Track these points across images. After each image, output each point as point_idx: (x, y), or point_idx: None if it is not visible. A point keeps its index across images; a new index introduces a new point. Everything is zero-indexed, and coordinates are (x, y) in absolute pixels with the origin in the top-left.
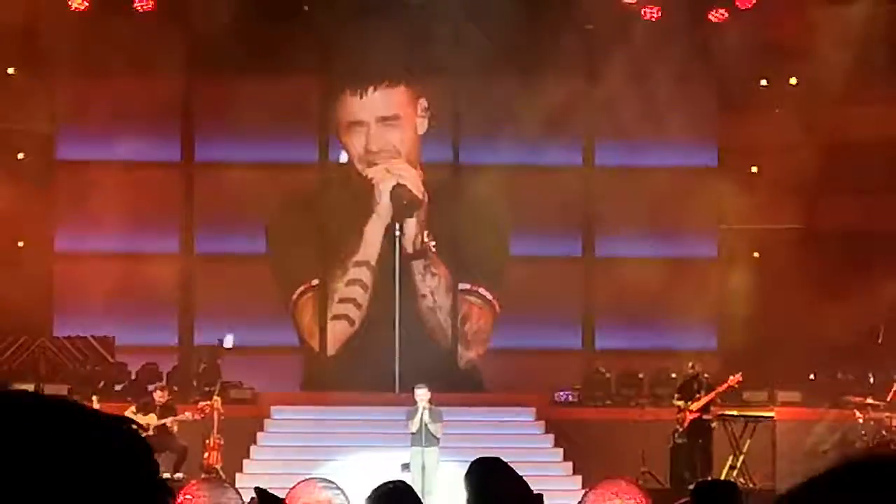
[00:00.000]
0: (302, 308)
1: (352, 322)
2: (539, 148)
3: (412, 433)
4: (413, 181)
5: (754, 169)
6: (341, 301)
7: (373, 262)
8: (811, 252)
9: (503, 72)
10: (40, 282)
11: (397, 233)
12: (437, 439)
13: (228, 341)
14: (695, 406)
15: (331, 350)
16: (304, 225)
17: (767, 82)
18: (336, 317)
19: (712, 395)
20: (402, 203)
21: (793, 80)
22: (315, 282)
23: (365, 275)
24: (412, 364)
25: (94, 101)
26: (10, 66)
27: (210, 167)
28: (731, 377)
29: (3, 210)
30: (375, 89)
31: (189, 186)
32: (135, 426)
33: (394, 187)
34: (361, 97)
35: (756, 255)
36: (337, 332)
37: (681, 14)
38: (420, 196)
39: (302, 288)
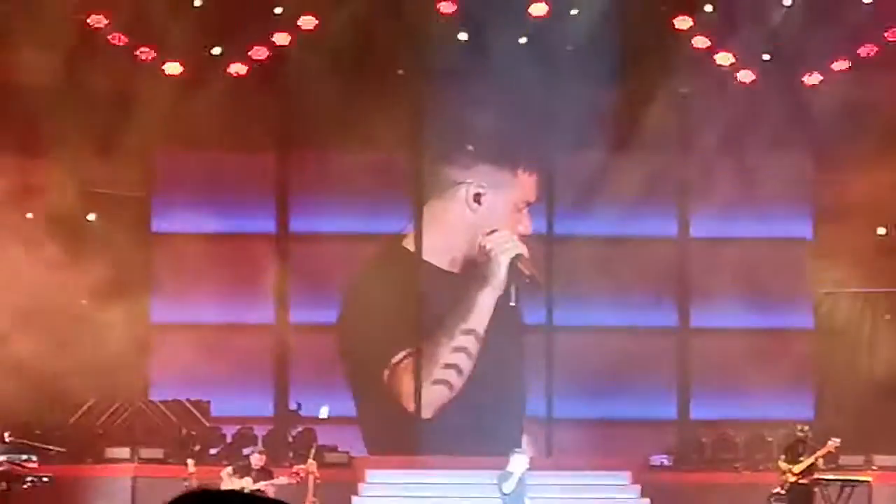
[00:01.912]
0: (402, 372)
1: (451, 388)
2: (634, 218)
3: (505, 494)
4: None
5: (850, 231)
6: (445, 367)
7: (481, 332)
8: None
9: (596, 140)
10: (136, 348)
11: (512, 303)
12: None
13: (324, 412)
14: (797, 469)
15: (426, 413)
16: (389, 292)
17: (863, 144)
18: (436, 381)
19: (813, 458)
20: (520, 273)
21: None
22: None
23: (471, 343)
24: (512, 429)
25: (188, 171)
26: (109, 131)
27: (304, 238)
28: (831, 441)
29: (100, 275)
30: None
31: (284, 257)
32: None
33: (513, 258)
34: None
35: (888, 317)
36: (435, 397)
37: (775, 78)
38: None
39: (405, 353)
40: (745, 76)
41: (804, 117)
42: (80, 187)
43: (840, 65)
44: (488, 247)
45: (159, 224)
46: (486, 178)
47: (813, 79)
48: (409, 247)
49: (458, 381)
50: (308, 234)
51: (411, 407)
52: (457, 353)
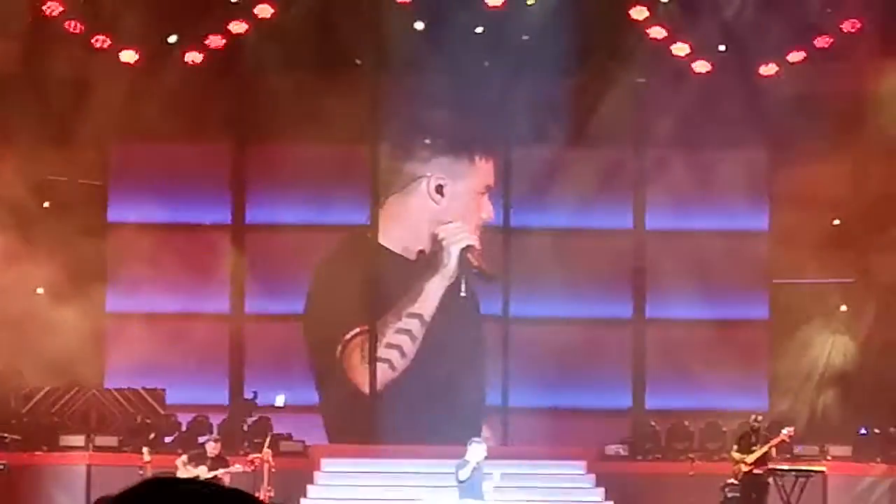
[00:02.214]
0: (352, 349)
1: (393, 368)
2: (589, 210)
3: (461, 482)
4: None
5: (806, 223)
6: (388, 347)
7: (426, 317)
8: (862, 306)
9: (552, 131)
10: (91, 336)
11: (463, 293)
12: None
13: (280, 400)
14: (750, 459)
15: (366, 388)
16: (351, 279)
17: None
18: (380, 359)
19: (766, 448)
20: (469, 264)
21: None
22: (366, 327)
23: (416, 327)
24: (464, 417)
25: (144, 160)
26: (66, 120)
27: (260, 229)
28: (784, 431)
29: (55, 263)
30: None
31: (240, 248)
32: None
33: (463, 249)
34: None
35: (843, 308)
36: (378, 375)
37: (731, 68)
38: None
39: (357, 330)
40: (701, 67)
41: (760, 108)
42: (36, 175)
43: (796, 56)
44: (441, 236)
45: (115, 213)
46: (445, 169)
47: (769, 69)
48: (373, 237)
49: (400, 363)
50: (264, 224)
51: (359, 382)
52: (400, 335)
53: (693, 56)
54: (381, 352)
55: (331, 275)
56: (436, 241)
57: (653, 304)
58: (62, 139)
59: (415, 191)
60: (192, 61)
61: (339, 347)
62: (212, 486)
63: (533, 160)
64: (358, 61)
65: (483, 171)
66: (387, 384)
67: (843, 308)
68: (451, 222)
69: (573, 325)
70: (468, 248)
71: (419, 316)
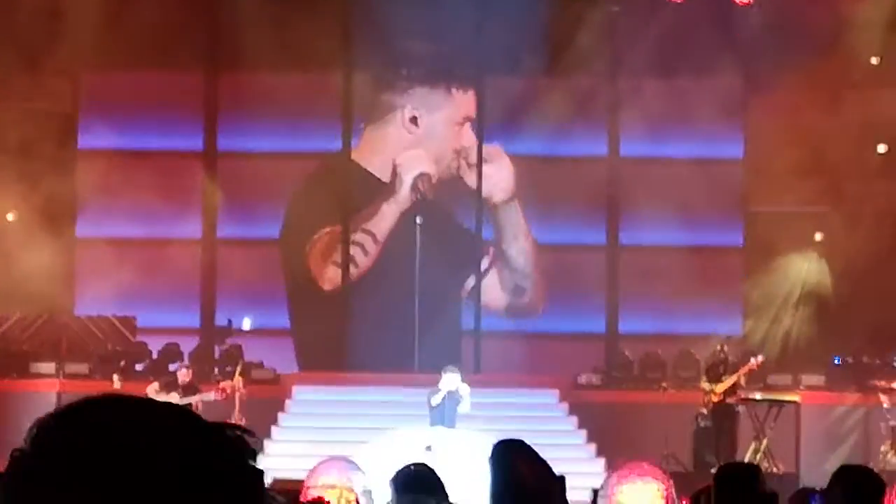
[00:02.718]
0: (316, 250)
1: (356, 265)
2: (564, 138)
3: (433, 408)
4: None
5: (781, 152)
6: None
7: (379, 237)
8: (837, 235)
9: (527, 59)
10: (62, 263)
11: (418, 221)
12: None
13: (246, 324)
14: (719, 388)
15: (327, 286)
16: (327, 198)
17: (794, 64)
18: (335, 262)
19: (735, 377)
20: (420, 192)
21: (819, 62)
22: (332, 227)
23: (368, 242)
24: (431, 345)
25: (115, 88)
26: (36, 48)
27: (232, 156)
28: (753, 359)
29: (25, 190)
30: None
31: (211, 175)
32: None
33: (415, 177)
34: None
35: (818, 236)
36: (333, 275)
37: None
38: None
39: (322, 232)
40: None
41: (735, 36)
42: (5, 103)
43: None
44: (398, 162)
45: (86, 141)
46: (421, 100)
47: None
48: (355, 157)
49: (353, 272)
50: (236, 152)
51: (318, 277)
52: (354, 247)
53: None
54: (336, 256)
55: (307, 194)
56: (394, 168)
57: (627, 231)
58: (32, 67)
59: (392, 121)
60: None
61: (307, 247)
62: (161, 404)
63: (507, 88)
64: None
65: (460, 101)
66: (338, 285)
67: (818, 237)
68: (410, 150)
69: (547, 251)
70: (421, 175)
71: (371, 234)
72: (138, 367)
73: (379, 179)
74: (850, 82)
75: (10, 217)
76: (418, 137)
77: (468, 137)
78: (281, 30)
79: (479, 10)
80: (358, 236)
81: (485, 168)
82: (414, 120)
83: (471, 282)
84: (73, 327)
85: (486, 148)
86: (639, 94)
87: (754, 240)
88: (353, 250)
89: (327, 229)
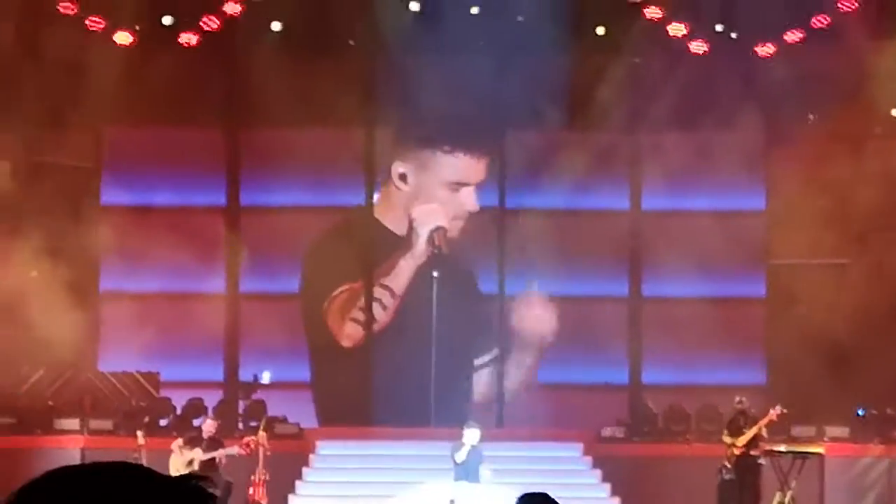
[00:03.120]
0: (335, 306)
1: (375, 321)
2: (586, 191)
3: (457, 464)
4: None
5: (803, 203)
6: (360, 309)
7: (397, 291)
8: (860, 286)
9: (548, 112)
10: (85, 319)
11: (434, 274)
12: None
13: (266, 377)
14: (740, 441)
15: (347, 343)
16: (344, 252)
17: (814, 117)
18: (354, 320)
19: (755, 429)
20: (435, 247)
21: (841, 114)
22: (352, 284)
23: (386, 297)
24: (449, 399)
25: (137, 143)
26: (60, 103)
27: (254, 211)
28: (772, 410)
29: (49, 246)
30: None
31: (234, 229)
32: (199, 482)
33: (431, 231)
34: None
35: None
36: (352, 331)
37: (728, 48)
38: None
39: (342, 288)
40: (698, 47)
41: (757, 88)
42: (29, 157)
43: (793, 36)
44: (413, 216)
45: (108, 196)
46: (411, 159)
47: (766, 49)
48: (377, 214)
49: (381, 317)
50: (258, 206)
51: (336, 331)
52: (373, 302)
53: (690, 36)
54: (355, 313)
55: (325, 250)
56: (410, 222)
57: (649, 283)
58: (55, 121)
59: (390, 175)
60: (187, 43)
61: (325, 304)
62: (105, 468)
63: (529, 141)
64: (352, 42)
65: (459, 165)
66: (358, 341)
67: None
68: (426, 204)
69: (569, 303)
70: (437, 229)
71: (389, 289)
72: (162, 422)
73: (395, 234)
74: (872, 133)
75: (33, 273)
76: (410, 194)
77: (471, 202)
78: (302, 84)
79: (501, 65)
80: (376, 292)
81: (524, 315)
82: (403, 177)
83: (485, 346)
84: (97, 383)
85: (528, 294)
86: (660, 147)
87: (776, 291)
88: (381, 293)
89: (346, 286)
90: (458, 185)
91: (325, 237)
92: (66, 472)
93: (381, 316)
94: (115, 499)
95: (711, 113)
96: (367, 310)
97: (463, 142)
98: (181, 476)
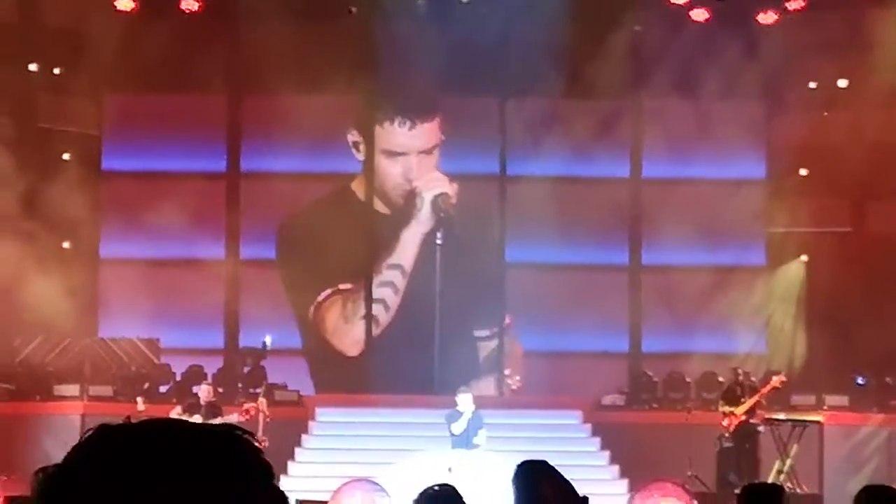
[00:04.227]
0: (326, 310)
1: (377, 323)
2: (586, 158)
3: (455, 435)
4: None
5: (803, 172)
6: (373, 301)
7: (407, 268)
8: (859, 255)
9: (549, 79)
10: (86, 284)
11: (438, 241)
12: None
13: (268, 341)
14: (740, 410)
15: (352, 351)
16: (321, 235)
17: (816, 85)
18: (364, 317)
19: (756, 397)
20: (442, 211)
21: (842, 83)
22: (344, 286)
23: (397, 278)
24: (452, 366)
25: (139, 110)
26: (57, 67)
27: (255, 177)
28: (774, 378)
29: (49, 211)
30: (423, 122)
31: (234, 196)
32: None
33: (436, 196)
34: (410, 129)
35: (804, 258)
36: (360, 333)
37: (729, 16)
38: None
39: (329, 291)
40: (699, 14)
41: (758, 56)
42: (30, 123)
43: (795, 3)
44: (415, 184)
45: (110, 163)
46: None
47: (767, 17)
48: (354, 188)
49: (385, 316)
50: (259, 173)
51: (338, 345)
52: (384, 288)
53: (691, 4)
54: (354, 320)
55: (308, 225)
56: (411, 191)
57: (650, 251)
58: (57, 88)
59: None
60: (189, 9)
61: (312, 309)
62: (166, 422)
63: (529, 109)
64: (352, 9)
65: (393, 132)
66: (371, 341)
67: (804, 258)
68: (427, 172)
69: (570, 271)
70: (441, 195)
71: (399, 267)
72: (162, 388)
73: (379, 213)
74: (873, 102)
75: (34, 238)
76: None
77: (415, 170)
78: (303, 51)
79: (501, 32)
80: (384, 275)
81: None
82: (356, 146)
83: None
84: (97, 349)
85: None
86: (661, 115)
87: (777, 259)
88: (383, 292)
89: (337, 290)
90: (396, 154)
91: (306, 213)
92: (116, 431)
93: (393, 300)
94: (175, 454)
95: (712, 81)
96: (369, 314)
97: (401, 111)
98: (228, 426)
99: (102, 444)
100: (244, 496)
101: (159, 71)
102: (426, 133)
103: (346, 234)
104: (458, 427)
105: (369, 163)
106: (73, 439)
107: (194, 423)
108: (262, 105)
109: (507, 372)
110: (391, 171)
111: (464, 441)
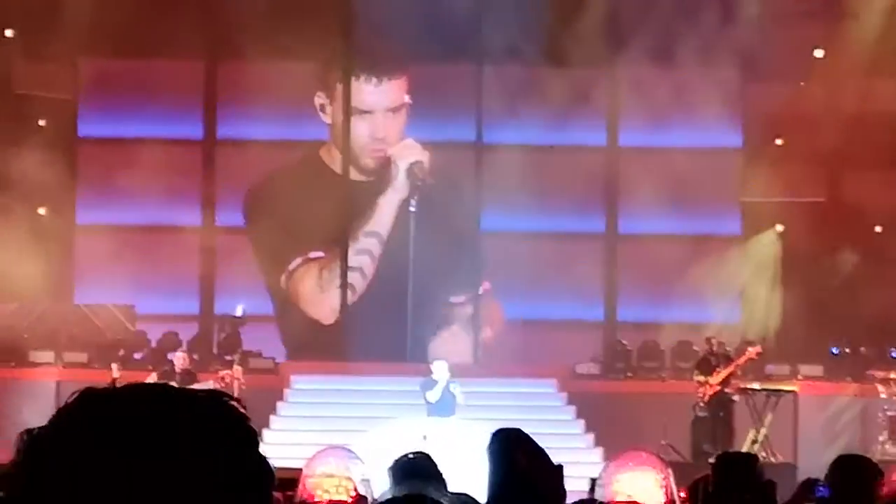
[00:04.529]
0: (300, 279)
1: (354, 291)
2: (562, 127)
3: (430, 403)
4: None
5: (779, 141)
6: (349, 270)
7: (383, 235)
8: (835, 225)
9: (525, 47)
10: (61, 251)
11: (412, 207)
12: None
13: (239, 310)
14: (714, 380)
15: (328, 319)
16: (288, 203)
17: (793, 54)
18: (340, 285)
19: (731, 367)
20: (418, 178)
21: (818, 53)
22: (315, 254)
23: (374, 245)
24: (426, 334)
25: (115, 76)
26: (36, 33)
27: (231, 144)
28: (750, 349)
29: (25, 177)
30: (389, 79)
31: (211, 162)
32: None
33: (411, 164)
34: (376, 85)
35: (780, 227)
36: (337, 302)
37: None
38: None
39: (300, 259)
40: None
41: (735, 25)
42: (7, 90)
43: None
44: (390, 152)
45: (85, 128)
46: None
47: None
48: (322, 155)
49: (361, 284)
50: (235, 140)
51: (313, 313)
52: (360, 256)
53: None
54: (329, 288)
55: (277, 192)
56: (386, 159)
57: (625, 220)
58: (32, 53)
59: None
60: None
61: (283, 278)
62: (144, 387)
63: (506, 76)
64: None
65: (358, 90)
66: (347, 308)
67: (780, 227)
68: (401, 140)
69: (545, 239)
70: (416, 162)
71: (376, 234)
72: (137, 355)
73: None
74: (848, 72)
75: (8, 204)
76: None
77: (380, 129)
78: (280, 17)
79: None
80: (361, 242)
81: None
82: (322, 108)
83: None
84: (72, 316)
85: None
86: (637, 83)
87: (752, 229)
88: (360, 259)
89: (309, 258)
90: (363, 112)
91: (275, 180)
92: (100, 395)
93: (370, 268)
94: (160, 418)
95: (689, 50)
96: (344, 282)
97: (367, 67)
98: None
99: (88, 409)
100: (230, 464)
101: (135, 36)
102: (393, 90)
103: (316, 201)
104: (434, 395)
105: (336, 126)
106: (49, 406)
107: (180, 388)
108: (238, 71)
109: (487, 333)
110: (358, 131)
111: (438, 408)
